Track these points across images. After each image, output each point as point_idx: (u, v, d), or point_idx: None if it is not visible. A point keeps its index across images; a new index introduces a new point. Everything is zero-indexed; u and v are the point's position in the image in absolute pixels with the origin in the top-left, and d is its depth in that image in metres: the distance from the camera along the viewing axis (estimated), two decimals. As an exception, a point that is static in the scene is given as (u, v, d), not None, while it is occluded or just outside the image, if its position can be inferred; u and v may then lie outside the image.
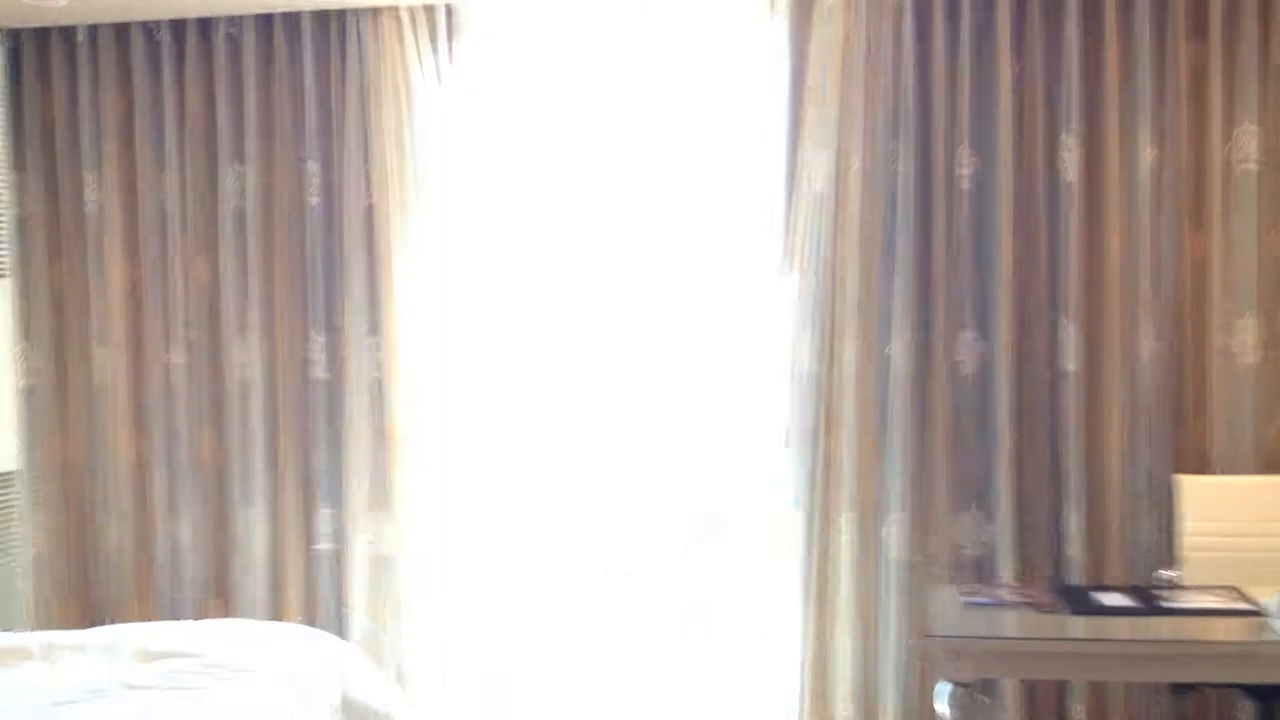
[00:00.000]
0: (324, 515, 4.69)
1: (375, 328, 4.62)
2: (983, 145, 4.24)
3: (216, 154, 4.70)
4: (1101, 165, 4.18)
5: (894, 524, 4.32)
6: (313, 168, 4.64)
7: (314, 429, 4.68)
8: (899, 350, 4.27)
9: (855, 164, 4.26)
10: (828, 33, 4.25)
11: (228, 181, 4.69)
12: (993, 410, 4.24)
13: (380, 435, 4.65)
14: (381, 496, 4.67)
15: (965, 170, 4.25)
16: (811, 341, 4.33)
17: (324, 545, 4.68)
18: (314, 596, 4.69)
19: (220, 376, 4.73)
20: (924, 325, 4.28)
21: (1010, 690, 4.28)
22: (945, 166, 4.24)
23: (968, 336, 4.29)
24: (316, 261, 4.67)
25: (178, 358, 4.75)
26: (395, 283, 4.60)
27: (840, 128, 4.26)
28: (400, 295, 4.61)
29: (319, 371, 4.66)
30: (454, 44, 4.59)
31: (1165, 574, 3.82)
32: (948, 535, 4.31)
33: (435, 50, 4.57)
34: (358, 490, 4.65)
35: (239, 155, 4.68)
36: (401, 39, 4.53)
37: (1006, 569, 4.23)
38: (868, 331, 4.28)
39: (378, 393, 4.65)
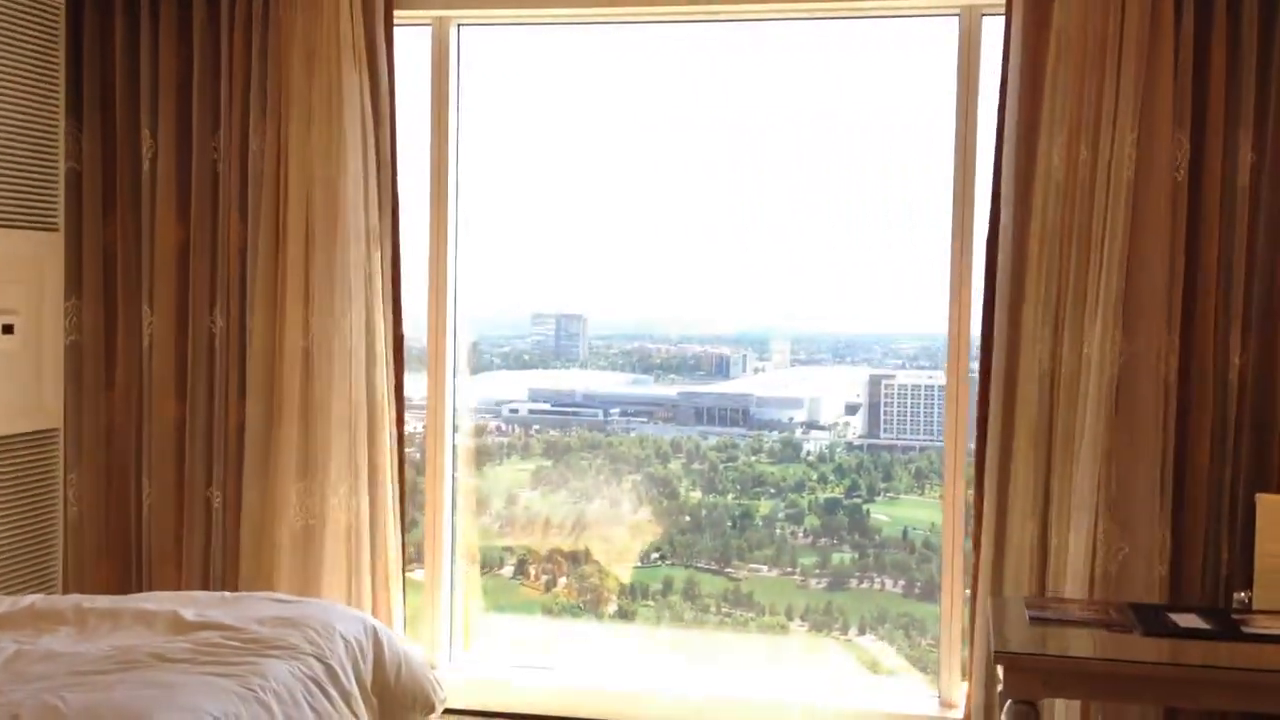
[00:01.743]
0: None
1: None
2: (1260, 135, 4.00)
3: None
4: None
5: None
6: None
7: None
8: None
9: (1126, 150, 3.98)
10: (1067, 14, 4.02)
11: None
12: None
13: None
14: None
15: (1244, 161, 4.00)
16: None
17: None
18: (351, 569, 4.59)
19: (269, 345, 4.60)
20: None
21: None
22: (1223, 158, 4.00)
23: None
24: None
25: (221, 322, 4.65)
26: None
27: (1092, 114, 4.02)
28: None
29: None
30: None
31: (1240, 596, 3.72)
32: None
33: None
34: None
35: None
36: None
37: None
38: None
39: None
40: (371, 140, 4.50)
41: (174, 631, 3.39)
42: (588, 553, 5.24)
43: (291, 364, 4.49)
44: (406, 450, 4.71)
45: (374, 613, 4.45)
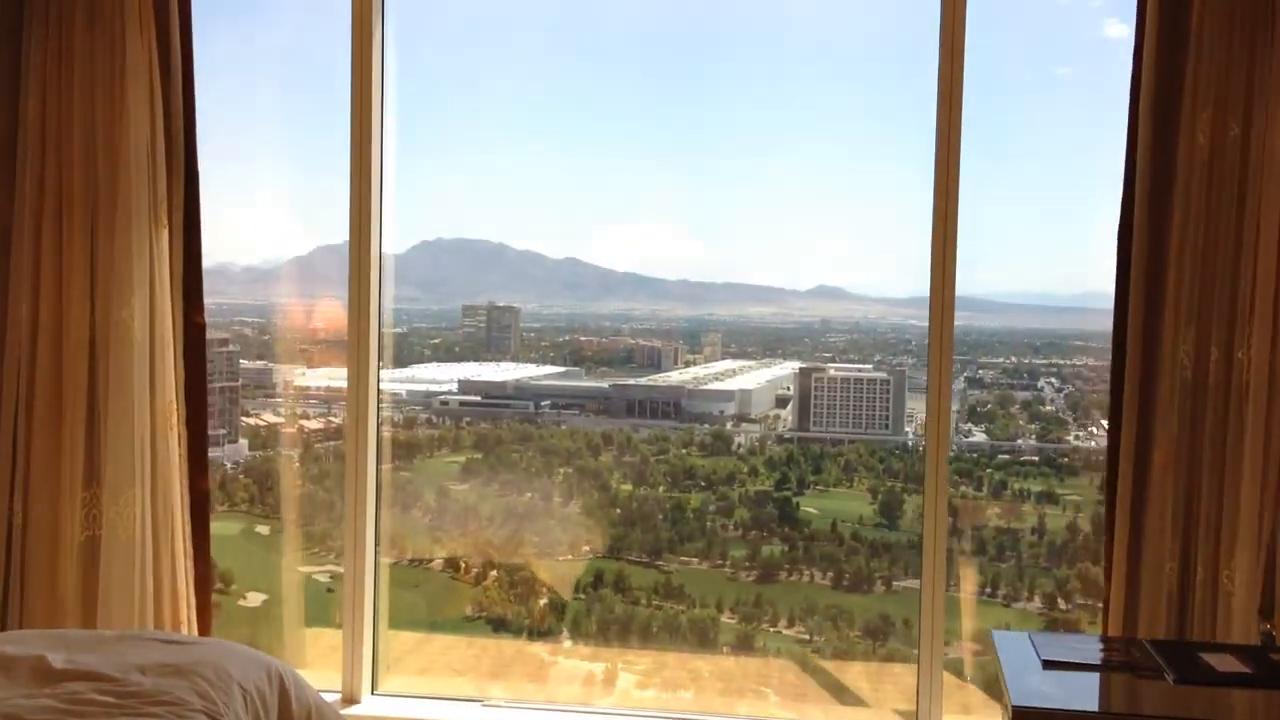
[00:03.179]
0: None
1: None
2: None
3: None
4: None
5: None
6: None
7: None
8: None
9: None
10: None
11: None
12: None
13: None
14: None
15: None
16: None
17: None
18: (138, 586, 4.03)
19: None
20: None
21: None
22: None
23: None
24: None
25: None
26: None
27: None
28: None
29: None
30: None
31: (1265, 627, 3.41)
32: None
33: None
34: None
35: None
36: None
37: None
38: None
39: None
40: (160, 104, 3.99)
41: (38, 683, 2.86)
42: (518, 545, 5.20)
43: (75, 359, 3.98)
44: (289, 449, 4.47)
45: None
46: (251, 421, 5.37)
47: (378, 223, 4.46)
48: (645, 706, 4.77)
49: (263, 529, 5.19)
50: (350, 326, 4.48)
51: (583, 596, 5.14)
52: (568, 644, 5.09)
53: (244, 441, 5.34)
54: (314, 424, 5.34)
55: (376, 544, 4.56)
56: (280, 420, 5.38)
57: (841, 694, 4.84)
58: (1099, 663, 3.02)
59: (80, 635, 3.32)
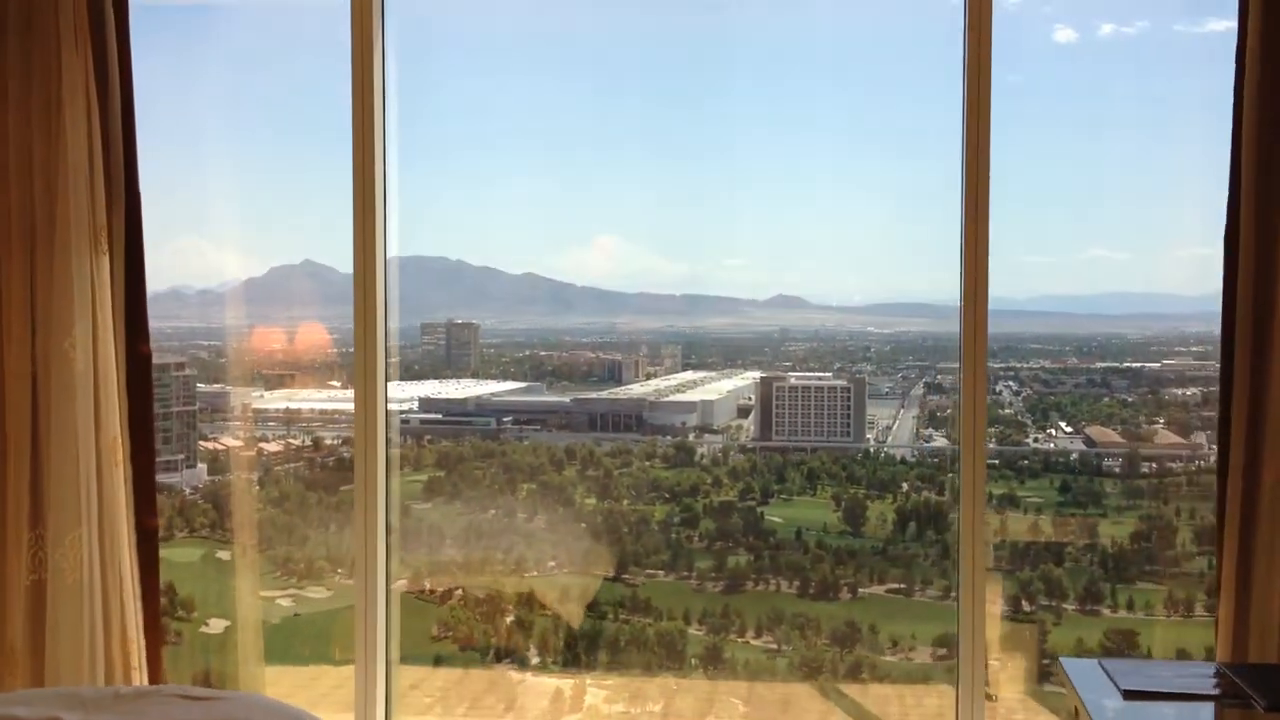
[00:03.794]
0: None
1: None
2: None
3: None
4: None
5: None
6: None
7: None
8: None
9: None
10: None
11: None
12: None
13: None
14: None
15: None
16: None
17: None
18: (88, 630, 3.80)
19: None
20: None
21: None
22: None
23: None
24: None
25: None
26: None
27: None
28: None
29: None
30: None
31: None
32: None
33: None
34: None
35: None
36: None
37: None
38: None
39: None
40: (98, 124, 3.79)
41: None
42: (483, 564, 5.18)
43: (17, 392, 3.77)
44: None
45: (108, 680, 3.78)
46: (209, 446, 5.32)
47: (382, 239, 4.23)
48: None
49: (223, 554, 5.13)
50: (357, 347, 4.25)
51: (549, 614, 5.12)
52: (535, 661, 5.06)
53: (202, 466, 5.28)
54: (273, 446, 5.29)
55: (388, 575, 4.32)
56: (239, 444, 5.33)
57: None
58: (1182, 691, 2.82)
59: (95, 694, 3.09)
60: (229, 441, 5.34)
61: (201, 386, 5.31)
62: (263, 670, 4.76)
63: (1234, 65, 3.41)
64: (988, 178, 3.79)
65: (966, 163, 3.82)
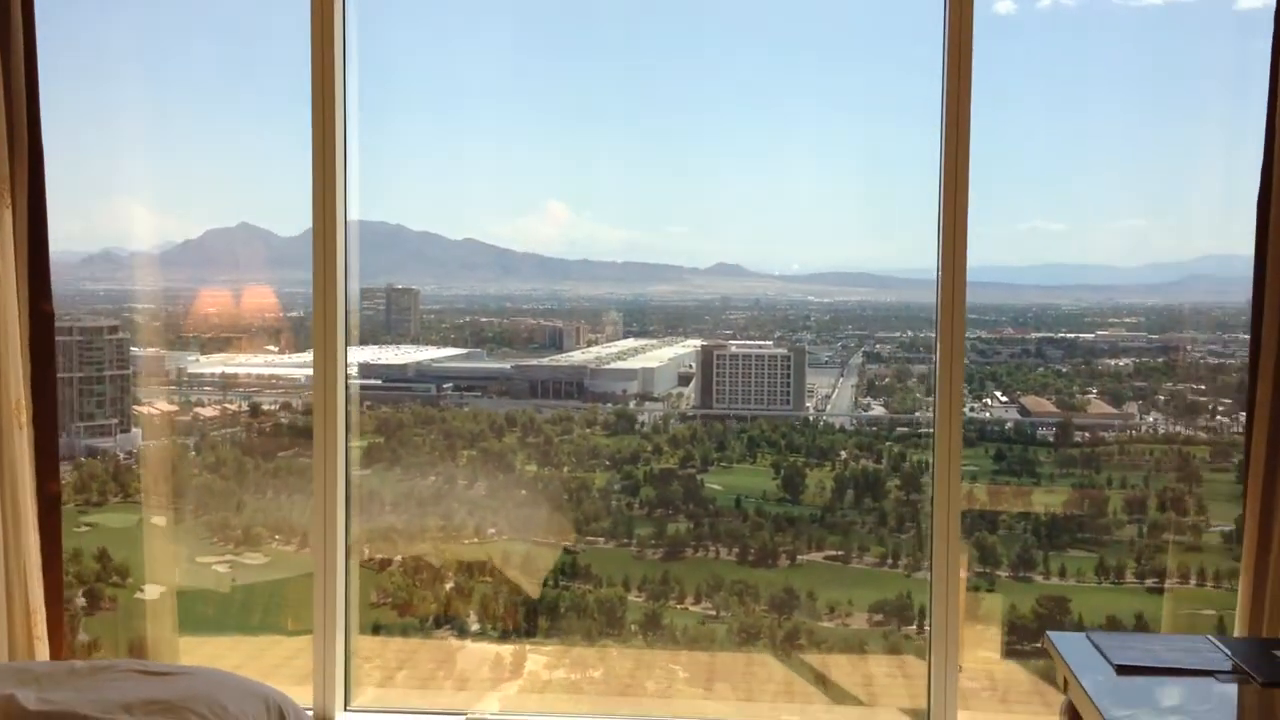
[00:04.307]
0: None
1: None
2: None
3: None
4: None
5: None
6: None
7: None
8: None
9: None
10: None
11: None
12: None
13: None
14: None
15: None
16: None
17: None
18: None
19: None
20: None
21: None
22: None
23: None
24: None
25: None
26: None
27: None
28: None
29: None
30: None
31: None
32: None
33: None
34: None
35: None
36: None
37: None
38: None
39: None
40: None
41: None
42: (423, 531, 5.16)
43: None
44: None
45: (11, 656, 3.67)
46: (144, 410, 5.24)
47: (342, 205, 4.13)
48: (639, 710, 4.78)
49: (159, 520, 5.07)
50: (316, 312, 4.15)
51: (489, 580, 5.11)
52: (475, 628, 5.06)
53: (137, 431, 5.20)
54: (209, 411, 5.23)
55: (348, 546, 4.20)
56: (174, 408, 5.25)
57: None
58: (1176, 666, 2.76)
59: (48, 668, 2.99)
60: (164, 406, 5.27)
61: (135, 350, 5.23)
62: (205, 639, 4.72)
63: (1271, 33, 3.36)
64: (968, 147, 3.76)
65: (946, 132, 3.79)
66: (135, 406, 5.21)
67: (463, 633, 5.05)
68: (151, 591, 4.94)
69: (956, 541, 3.91)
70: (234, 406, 5.09)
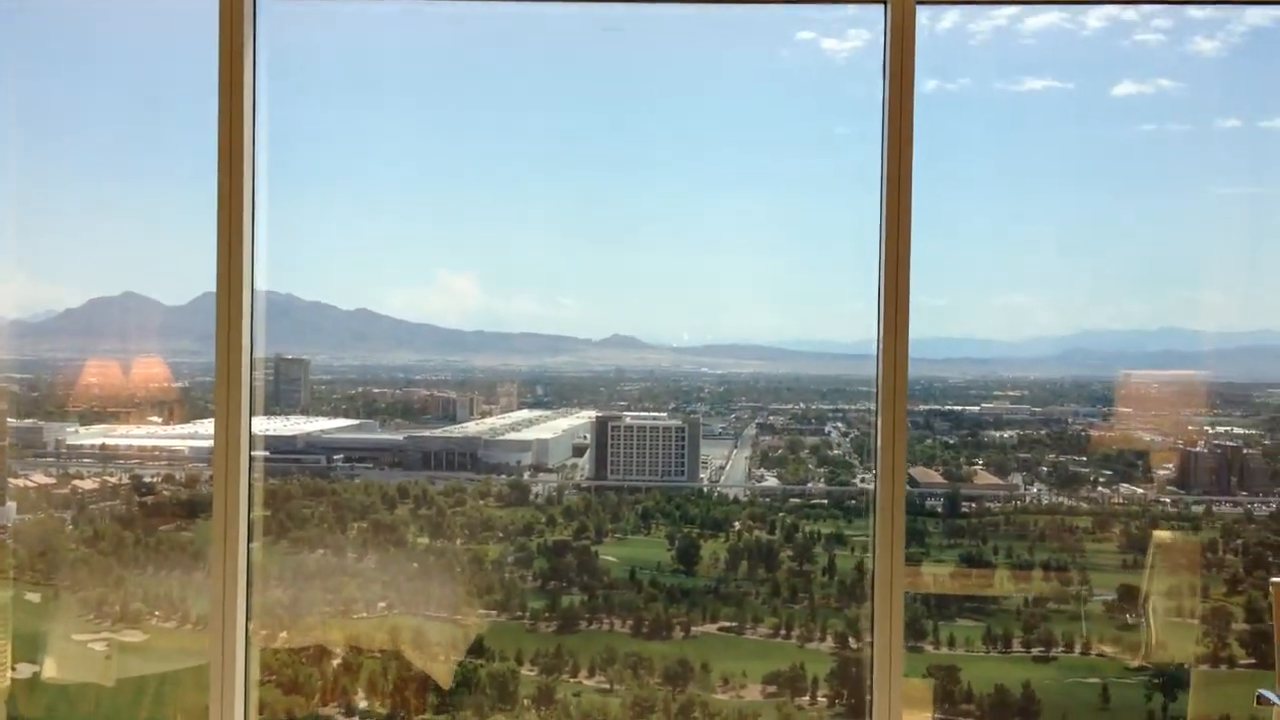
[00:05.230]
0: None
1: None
2: None
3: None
4: None
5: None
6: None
7: None
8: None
9: None
10: None
11: None
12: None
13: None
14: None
15: None
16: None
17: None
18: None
19: None
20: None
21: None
22: None
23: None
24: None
25: None
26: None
27: None
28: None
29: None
30: None
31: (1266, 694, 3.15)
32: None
33: None
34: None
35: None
36: None
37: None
38: None
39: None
40: None
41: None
42: (310, 605, 5.04)
43: None
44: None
45: None
46: (20, 483, 5.07)
47: (249, 270, 3.84)
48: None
49: (33, 596, 4.89)
50: (219, 380, 3.79)
51: (378, 656, 5.01)
52: (363, 705, 4.95)
53: (12, 504, 5.03)
54: (88, 484, 5.07)
55: (248, 633, 3.77)
56: (51, 481, 5.09)
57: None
58: None
59: None
60: (41, 479, 5.10)
61: (13, 421, 5.07)
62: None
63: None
64: (909, 221, 3.57)
65: (886, 205, 3.60)
66: (11, 479, 5.04)
67: (349, 712, 4.93)
68: (24, 670, 4.76)
69: (900, 623, 3.54)
70: (113, 479, 4.95)
